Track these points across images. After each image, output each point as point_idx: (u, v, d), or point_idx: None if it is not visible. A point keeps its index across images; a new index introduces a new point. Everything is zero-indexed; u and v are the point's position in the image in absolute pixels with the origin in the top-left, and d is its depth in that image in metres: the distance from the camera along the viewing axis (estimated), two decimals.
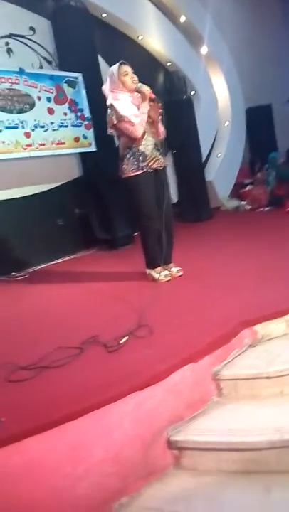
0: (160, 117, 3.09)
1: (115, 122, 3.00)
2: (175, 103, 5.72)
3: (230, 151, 7.02)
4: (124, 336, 2.13)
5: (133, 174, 3.07)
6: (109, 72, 3.07)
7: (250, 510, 1.47)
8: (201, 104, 6.58)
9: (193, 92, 6.50)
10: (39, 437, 1.51)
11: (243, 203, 6.20)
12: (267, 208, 5.73)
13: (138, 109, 2.98)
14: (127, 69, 3.00)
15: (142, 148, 3.06)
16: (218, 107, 7.09)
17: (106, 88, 3.07)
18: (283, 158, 6.34)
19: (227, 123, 7.15)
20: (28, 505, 1.47)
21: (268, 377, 1.84)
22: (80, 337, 2.20)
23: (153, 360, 1.84)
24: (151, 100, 3.01)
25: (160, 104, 3.03)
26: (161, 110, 3.06)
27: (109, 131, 3.13)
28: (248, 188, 6.56)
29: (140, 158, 3.05)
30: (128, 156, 3.07)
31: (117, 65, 3.00)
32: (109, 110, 3.03)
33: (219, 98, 7.15)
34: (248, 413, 1.76)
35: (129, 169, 3.07)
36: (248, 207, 6.04)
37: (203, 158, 6.43)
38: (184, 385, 1.81)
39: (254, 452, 1.61)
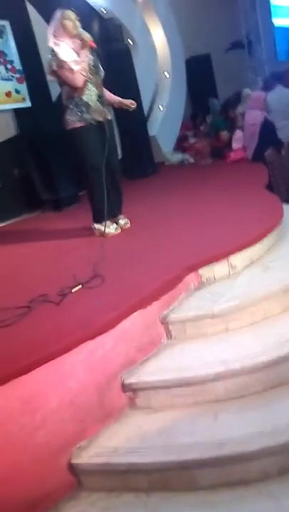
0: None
1: (55, 68, 2.88)
2: (112, 53, 5.47)
3: (171, 103, 6.89)
4: (75, 286, 2.15)
5: (76, 126, 2.98)
6: (54, 14, 2.94)
7: (200, 435, 1.58)
8: (140, 54, 6.32)
9: (130, 42, 6.23)
10: None
11: (186, 156, 6.19)
12: (210, 160, 5.78)
13: (78, 56, 2.86)
14: (69, 14, 2.90)
15: (85, 98, 2.96)
16: (157, 57, 6.87)
17: (50, 29, 2.94)
18: (218, 109, 6.33)
19: (167, 74, 6.99)
20: None
21: (212, 316, 1.93)
22: (28, 296, 2.18)
23: (103, 310, 1.87)
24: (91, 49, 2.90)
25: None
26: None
27: (49, 77, 3.03)
28: (190, 140, 6.54)
29: (83, 109, 2.97)
30: (71, 106, 2.97)
31: (61, 9, 2.91)
32: (49, 55, 2.91)
33: (158, 48, 6.91)
34: (196, 350, 1.86)
35: (73, 120, 2.98)
36: (192, 160, 6.06)
37: (145, 112, 6.29)
38: (134, 330, 1.87)
39: (203, 385, 1.73)
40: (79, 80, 2.87)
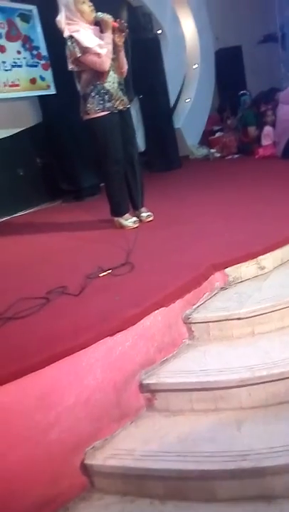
0: (124, 49, 2.85)
1: (78, 55, 2.74)
2: (140, 42, 5.32)
3: (199, 96, 6.74)
4: (103, 272, 2.18)
5: (98, 115, 2.87)
6: (62, 1, 2.76)
7: (222, 445, 1.49)
8: (169, 44, 6.19)
9: (159, 31, 6.09)
10: (6, 388, 1.45)
11: (212, 150, 6.05)
12: (236, 155, 5.63)
13: (101, 39, 2.75)
14: None
15: (107, 85, 2.84)
16: (186, 47, 6.71)
17: (61, 19, 2.76)
18: (248, 104, 6.13)
19: (196, 65, 6.82)
20: None
21: (239, 318, 1.83)
22: (47, 287, 2.12)
23: (124, 306, 1.79)
24: (115, 30, 2.76)
25: (124, 33, 2.79)
26: (125, 37, 2.81)
27: (70, 66, 2.87)
28: (217, 135, 6.39)
29: (106, 97, 2.85)
30: (92, 94, 2.85)
31: None
32: (68, 43, 2.76)
33: (187, 38, 6.75)
34: (220, 354, 1.76)
35: (94, 109, 2.86)
36: (218, 154, 5.91)
37: (171, 104, 6.15)
38: (155, 329, 1.78)
39: (226, 390, 1.63)
40: (106, 63, 2.74)
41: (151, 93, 5.65)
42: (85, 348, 1.59)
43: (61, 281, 2.16)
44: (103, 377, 1.62)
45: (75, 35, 2.72)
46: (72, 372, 1.56)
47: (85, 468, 1.58)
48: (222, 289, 2.04)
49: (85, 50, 2.72)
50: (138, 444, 1.58)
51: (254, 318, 1.82)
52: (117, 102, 2.89)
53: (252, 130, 5.55)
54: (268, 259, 2.12)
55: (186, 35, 6.73)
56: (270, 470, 1.39)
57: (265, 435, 1.48)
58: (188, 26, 6.75)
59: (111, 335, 1.65)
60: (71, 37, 2.74)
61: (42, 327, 1.77)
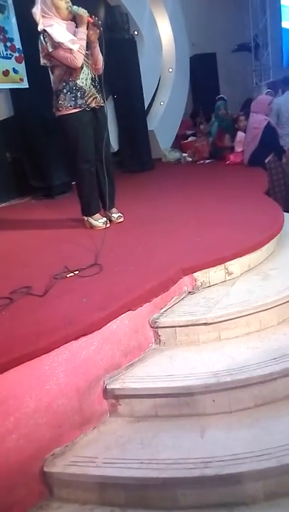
0: (98, 44, 2.80)
1: (50, 50, 2.68)
2: (116, 41, 5.30)
3: (173, 99, 6.77)
4: (70, 273, 2.12)
5: (69, 112, 2.82)
6: None
7: (185, 452, 1.47)
8: (145, 45, 6.18)
9: (136, 32, 6.07)
10: None
11: (184, 154, 6.09)
12: (208, 161, 5.68)
13: (75, 35, 2.69)
14: None
15: (79, 82, 2.79)
16: (162, 50, 6.72)
17: (37, 11, 2.70)
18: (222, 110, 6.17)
19: (171, 69, 6.85)
20: None
21: (205, 324, 1.83)
22: (11, 287, 2.04)
23: (90, 308, 1.74)
24: (90, 25, 2.71)
25: (99, 30, 2.74)
26: (99, 33, 2.75)
27: (42, 61, 2.80)
28: (189, 139, 6.43)
29: (78, 94, 2.79)
30: (65, 90, 2.79)
31: None
32: (41, 37, 2.70)
33: (163, 42, 6.77)
34: (186, 359, 1.75)
35: (66, 106, 2.80)
36: (190, 159, 5.95)
37: (146, 106, 6.15)
38: (121, 333, 1.75)
39: (191, 396, 1.61)
40: (79, 59, 2.68)
41: (126, 93, 5.62)
42: (47, 352, 1.53)
43: (26, 281, 2.09)
44: (66, 382, 1.57)
45: (48, 29, 2.67)
46: (34, 376, 1.50)
47: (44, 476, 1.52)
48: (190, 293, 2.04)
49: (56, 45, 2.67)
50: (100, 451, 1.54)
51: (221, 324, 1.83)
52: (90, 100, 2.84)
53: (227, 138, 5.61)
54: (236, 265, 2.13)
55: (163, 38, 6.75)
56: (233, 477, 1.38)
57: (228, 442, 1.48)
58: (165, 30, 6.78)
59: (75, 338, 1.60)
60: (44, 31, 2.68)
61: (3, 329, 1.69)
